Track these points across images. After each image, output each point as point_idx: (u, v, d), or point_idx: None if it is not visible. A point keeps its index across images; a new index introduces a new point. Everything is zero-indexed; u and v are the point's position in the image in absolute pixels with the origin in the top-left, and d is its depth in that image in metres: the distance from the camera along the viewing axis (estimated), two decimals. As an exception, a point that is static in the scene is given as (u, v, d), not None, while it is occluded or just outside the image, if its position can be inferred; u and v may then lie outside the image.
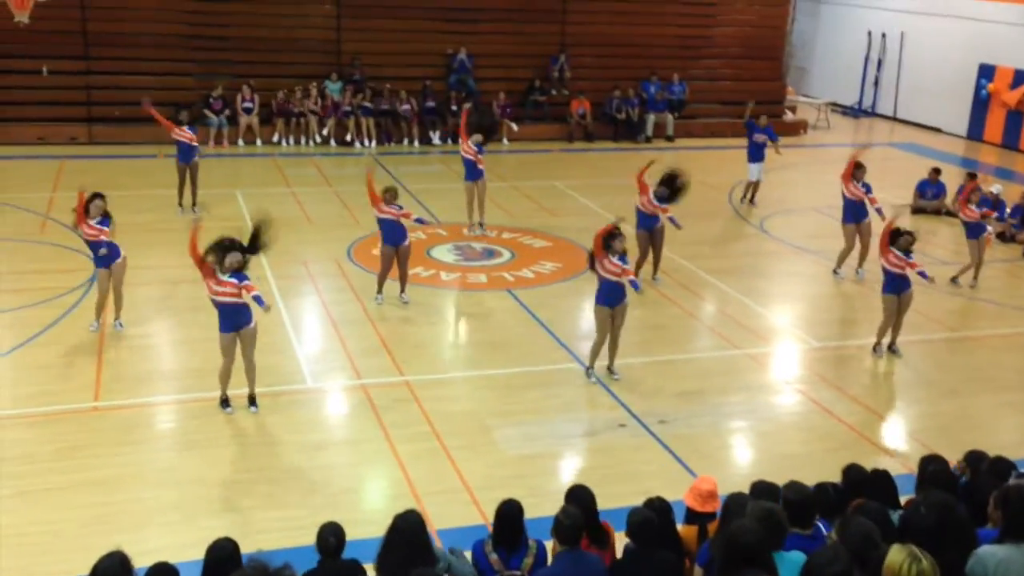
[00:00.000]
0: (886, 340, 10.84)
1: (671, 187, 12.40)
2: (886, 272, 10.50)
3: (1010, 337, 11.72)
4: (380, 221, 11.49)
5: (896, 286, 10.51)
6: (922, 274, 10.41)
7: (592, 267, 9.71)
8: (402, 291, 11.81)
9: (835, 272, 13.47)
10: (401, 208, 11.52)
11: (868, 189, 13.15)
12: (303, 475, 8.02)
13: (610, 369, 9.98)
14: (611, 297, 9.66)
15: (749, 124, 16.76)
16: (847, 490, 5.84)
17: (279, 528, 7.20)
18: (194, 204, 15.09)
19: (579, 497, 5.44)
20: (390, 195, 11.51)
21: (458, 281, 12.74)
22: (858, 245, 13.33)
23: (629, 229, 11.37)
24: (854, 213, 13.19)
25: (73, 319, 10.88)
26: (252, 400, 9.01)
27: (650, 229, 12.51)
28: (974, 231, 13.07)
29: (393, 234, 11.48)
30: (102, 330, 10.58)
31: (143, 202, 15.36)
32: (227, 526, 6.83)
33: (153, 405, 9.15)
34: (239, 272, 8.70)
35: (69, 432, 8.49)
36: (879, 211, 13.01)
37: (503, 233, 14.79)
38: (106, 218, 10.38)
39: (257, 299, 8.64)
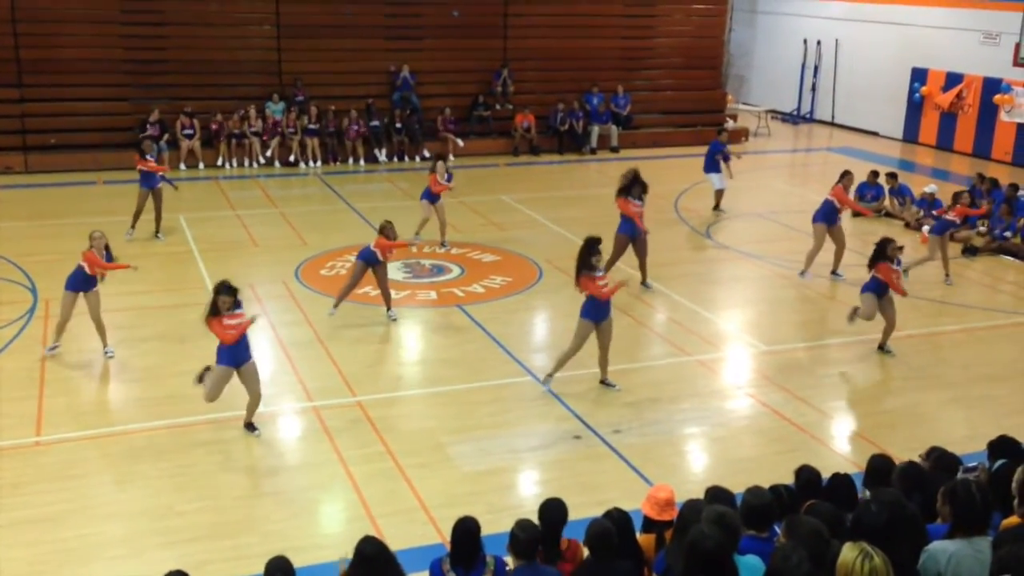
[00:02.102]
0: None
1: (640, 182, 12.52)
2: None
3: (952, 334, 11.98)
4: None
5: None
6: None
7: (578, 284, 9.70)
8: (388, 308, 11.83)
9: (801, 274, 13.59)
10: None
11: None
12: (254, 502, 7.88)
13: (604, 382, 9.98)
14: (597, 312, 9.67)
15: (715, 144, 17.05)
16: (800, 491, 5.89)
17: (230, 558, 7.06)
18: (157, 231, 15.02)
19: (545, 511, 5.43)
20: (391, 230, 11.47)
21: (408, 298, 12.67)
22: (829, 247, 13.59)
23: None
24: (826, 214, 13.40)
25: (13, 352, 10.61)
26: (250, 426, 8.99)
27: (633, 236, 12.61)
28: (940, 228, 13.50)
29: (370, 254, 11.49)
30: (42, 363, 10.33)
31: (84, 230, 14.96)
32: (176, 558, 6.71)
33: (97, 438, 8.92)
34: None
35: (11, 468, 8.24)
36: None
37: (452, 249, 14.76)
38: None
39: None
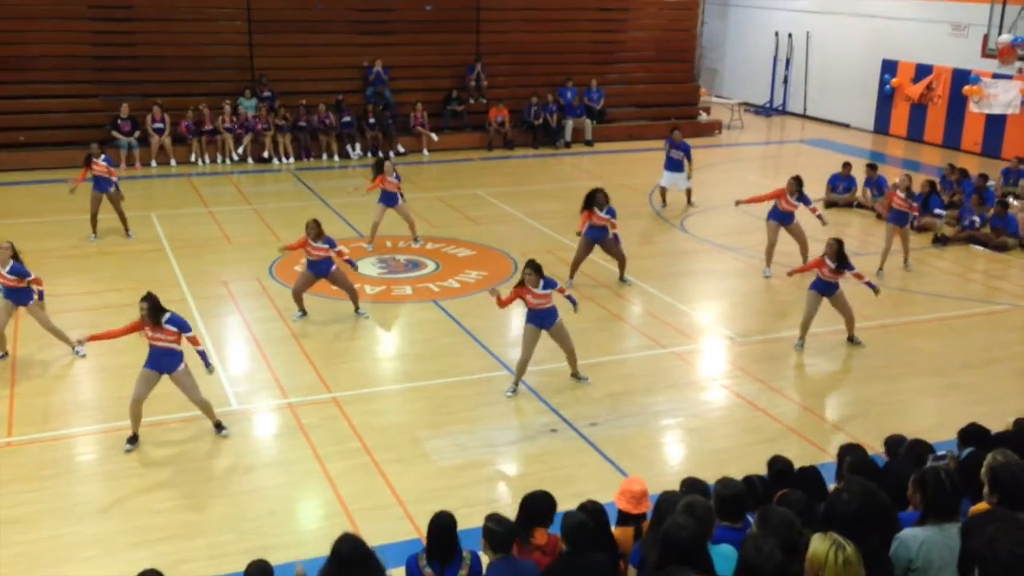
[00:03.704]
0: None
1: (598, 194, 12.54)
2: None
3: (922, 323, 12.11)
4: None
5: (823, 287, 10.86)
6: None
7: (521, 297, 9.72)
8: (356, 308, 11.76)
9: (765, 274, 13.67)
10: (333, 247, 11.34)
11: (807, 201, 13.39)
12: (230, 500, 7.84)
13: (575, 375, 10.00)
14: (539, 319, 9.69)
15: (668, 141, 17.03)
16: (773, 481, 5.95)
17: (206, 556, 7.04)
18: (127, 230, 14.83)
19: (529, 502, 5.46)
20: (314, 231, 11.28)
21: (383, 294, 12.64)
22: (776, 243, 13.65)
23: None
24: (778, 212, 13.46)
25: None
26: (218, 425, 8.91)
27: (601, 240, 12.66)
28: (899, 218, 13.57)
29: (318, 266, 11.38)
30: (12, 362, 10.23)
31: (51, 228, 14.93)
32: (151, 557, 6.67)
33: (70, 437, 8.85)
34: (182, 322, 8.62)
35: (-18, 470, 8.16)
36: (819, 218, 13.52)
37: (427, 244, 14.73)
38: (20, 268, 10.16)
39: (202, 355, 8.78)
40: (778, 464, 6.15)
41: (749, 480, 5.81)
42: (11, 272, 10.06)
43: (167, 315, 8.52)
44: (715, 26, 29.18)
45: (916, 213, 14.09)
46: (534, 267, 9.54)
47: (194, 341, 8.76)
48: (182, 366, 8.65)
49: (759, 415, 9.47)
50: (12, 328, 10.73)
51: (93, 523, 7.49)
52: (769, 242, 13.61)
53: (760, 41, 28.14)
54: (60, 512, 7.62)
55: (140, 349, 10.34)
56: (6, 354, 10.38)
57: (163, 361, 8.59)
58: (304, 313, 11.66)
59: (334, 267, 11.44)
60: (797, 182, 13.40)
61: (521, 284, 9.61)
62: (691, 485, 5.73)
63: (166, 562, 6.26)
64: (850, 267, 10.75)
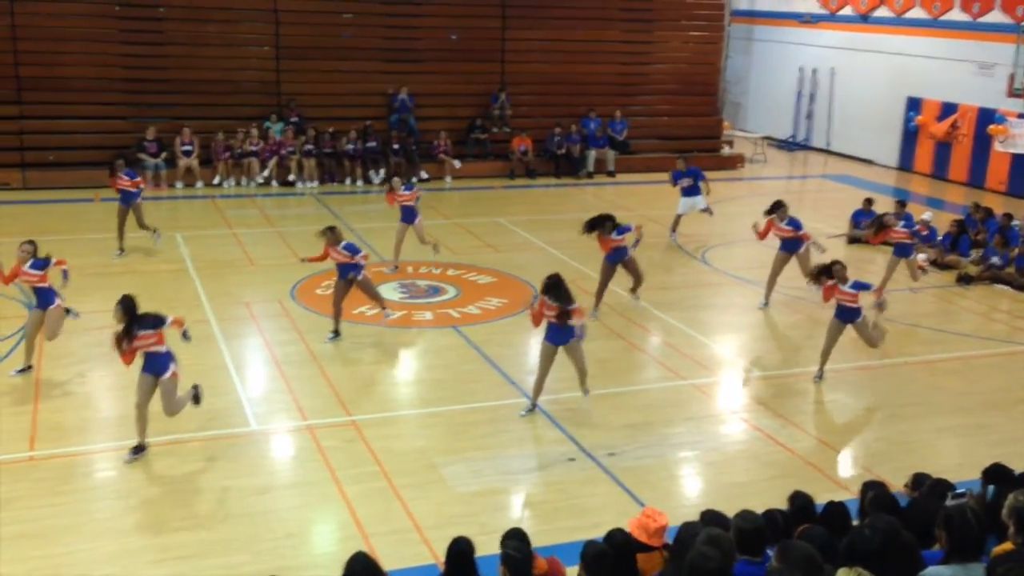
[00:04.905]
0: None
1: (604, 219, 12.57)
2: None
3: (946, 362, 12.00)
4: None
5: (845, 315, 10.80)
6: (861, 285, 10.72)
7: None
8: (383, 307, 11.91)
9: (762, 304, 13.64)
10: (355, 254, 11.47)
11: (797, 225, 13.37)
12: (247, 521, 7.84)
13: (582, 389, 9.94)
14: (556, 335, 9.69)
15: (674, 175, 17.14)
16: (793, 516, 5.90)
17: (223, 576, 7.04)
18: (154, 230, 15.14)
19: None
20: (332, 235, 11.44)
21: (404, 319, 12.67)
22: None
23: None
24: (786, 243, 13.44)
25: (8, 367, 10.56)
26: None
27: (621, 261, 12.66)
28: (902, 251, 13.58)
29: (344, 270, 11.50)
30: (36, 378, 10.32)
31: (79, 246, 15.05)
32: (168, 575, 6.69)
33: (90, 453, 8.89)
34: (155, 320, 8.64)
35: (4, 483, 8.20)
36: (815, 244, 13.37)
37: (448, 270, 14.79)
38: (41, 261, 10.26)
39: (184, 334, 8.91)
40: (799, 499, 6.09)
41: (770, 514, 5.77)
42: (33, 267, 10.19)
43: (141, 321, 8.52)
44: (739, 60, 29.30)
45: (913, 242, 13.94)
46: (554, 283, 9.53)
47: (179, 323, 8.83)
48: (169, 373, 8.62)
49: (778, 450, 9.41)
50: (38, 343, 10.81)
51: (111, 540, 7.52)
52: (771, 270, 13.55)
53: (784, 76, 28.21)
54: (78, 528, 7.65)
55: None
56: (31, 367, 10.45)
57: (152, 364, 8.60)
58: (337, 335, 11.68)
59: (361, 274, 11.51)
60: (778, 205, 13.44)
61: (543, 293, 9.59)
62: (710, 517, 5.68)
63: (183, 581, 6.30)
64: (864, 285, 10.71)
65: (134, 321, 8.49)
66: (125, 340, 8.47)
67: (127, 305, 8.53)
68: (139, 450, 8.72)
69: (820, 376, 10.98)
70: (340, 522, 7.90)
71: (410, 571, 6.90)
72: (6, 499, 7.95)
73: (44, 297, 10.33)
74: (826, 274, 10.71)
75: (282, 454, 9.24)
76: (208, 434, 9.06)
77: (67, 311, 10.49)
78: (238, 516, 7.91)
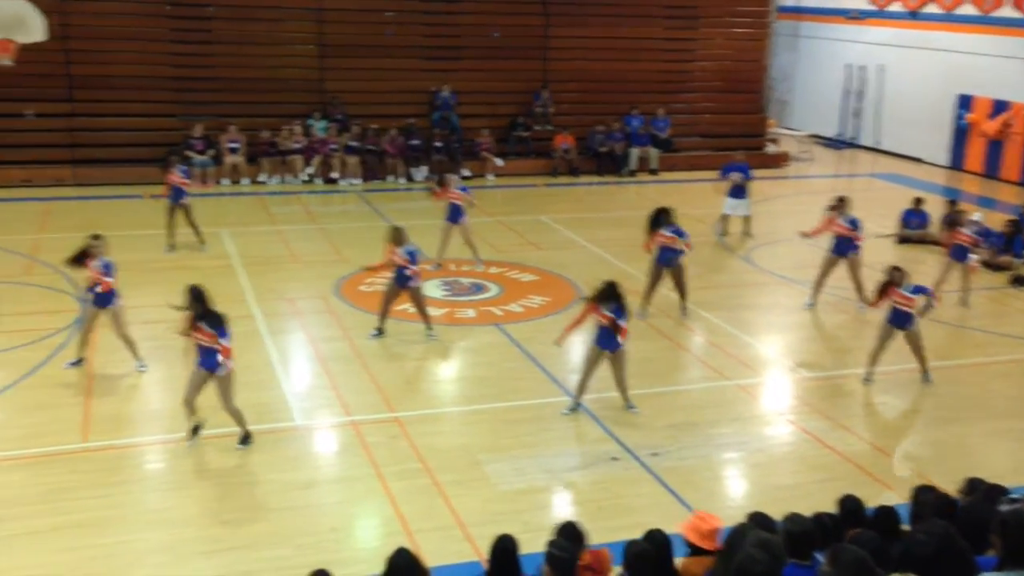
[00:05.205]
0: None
1: (662, 212, 12.52)
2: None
3: (999, 365, 11.76)
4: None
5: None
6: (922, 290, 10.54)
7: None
8: (428, 327, 11.80)
9: (808, 303, 13.47)
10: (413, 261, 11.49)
11: (855, 224, 13.15)
12: (292, 514, 7.91)
13: (627, 406, 9.91)
14: (605, 341, 9.67)
15: (724, 168, 17.07)
16: (843, 520, 5.81)
17: (268, 569, 7.12)
18: (201, 242, 15.31)
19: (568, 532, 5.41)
20: (397, 236, 11.46)
21: (447, 316, 12.70)
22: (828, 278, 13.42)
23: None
24: (836, 245, 13.23)
25: (61, 360, 10.76)
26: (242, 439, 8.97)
27: (670, 264, 12.55)
28: (958, 253, 13.30)
29: (401, 275, 11.50)
30: (89, 370, 10.49)
31: (129, 243, 15.25)
32: (215, 567, 6.78)
33: (141, 445, 9.04)
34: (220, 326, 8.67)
35: (57, 474, 8.36)
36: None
37: (490, 268, 14.80)
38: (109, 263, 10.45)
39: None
40: (849, 503, 6.00)
41: (819, 518, 5.69)
42: (102, 267, 10.31)
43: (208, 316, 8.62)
44: (785, 57, 28.96)
45: (973, 245, 13.65)
46: (611, 293, 9.52)
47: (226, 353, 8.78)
48: (224, 371, 8.71)
49: (826, 452, 9.28)
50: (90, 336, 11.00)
51: (161, 530, 7.63)
52: (820, 271, 13.34)
53: (831, 73, 27.84)
54: (129, 518, 7.78)
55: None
56: (83, 360, 10.63)
57: (206, 360, 8.69)
58: (381, 332, 11.74)
59: (415, 283, 11.52)
60: (841, 201, 13.18)
61: (593, 300, 9.60)
62: (758, 520, 5.62)
63: (229, 572, 6.37)
64: (923, 289, 10.53)
65: (205, 312, 8.61)
66: (189, 328, 8.60)
67: (195, 294, 8.65)
68: (197, 430, 8.86)
69: (868, 379, 10.82)
70: (383, 518, 7.94)
71: (453, 568, 6.91)
72: (60, 488, 8.11)
73: (104, 298, 10.43)
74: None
75: (326, 449, 9.31)
76: (254, 428, 9.14)
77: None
78: (283, 509, 7.98)
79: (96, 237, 10.57)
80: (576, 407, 9.90)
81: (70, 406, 9.71)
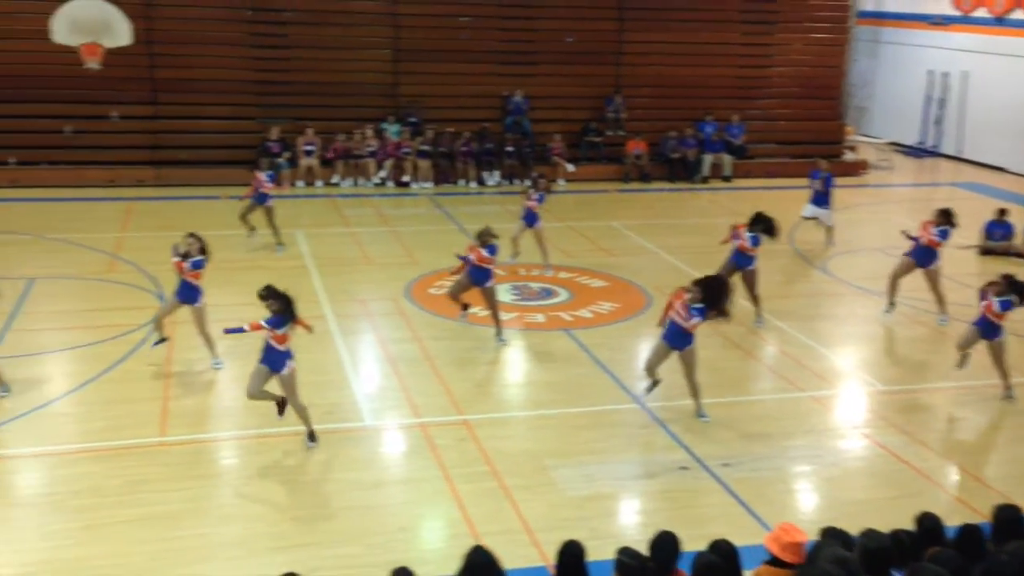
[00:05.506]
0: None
1: (767, 227, 12.37)
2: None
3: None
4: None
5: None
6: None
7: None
8: (498, 333, 11.81)
9: (887, 308, 13.13)
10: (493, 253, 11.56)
11: (944, 235, 12.74)
12: (361, 513, 8.00)
13: (699, 415, 9.83)
14: (673, 338, 9.61)
15: (812, 173, 16.77)
16: (921, 538, 5.65)
17: (338, 566, 7.21)
18: (278, 243, 15.62)
19: (658, 544, 5.32)
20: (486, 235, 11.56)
21: (516, 320, 12.72)
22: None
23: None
24: (918, 253, 12.87)
25: (141, 356, 11.07)
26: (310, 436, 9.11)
27: (743, 269, 12.43)
28: None
29: (477, 274, 11.54)
30: (167, 365, 10.77)
31: (210, 241, 15.65)
32: (288, 562, 6.85)
33: (216, 441, 9.24)
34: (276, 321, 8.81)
35: (136, 466, 8.61)
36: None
37: (560, 273, 14.78)
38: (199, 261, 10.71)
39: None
40: (927, 521, 5.83)
41: (896, 535, 5.54)
42: (193, 265, 10.58)
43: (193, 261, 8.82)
44: (864, 63, 28.35)
45: None
46: (703, 286, 9.48)
47: (255, 327, 8.83)
48: (286, 370, 8.83)
49: (903, 468, 9.04)
50: (170, 331, 11.29)
51: (233, 525, 7.79)
52: (892, 273, 12.99)
53: (912, 80, 27.15)
54: (203, 512, 7.96)
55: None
56: (166, 338, 10.88)
57: (268, 357, 8.83)
58: (468, 309, 11.84)
59: (491, 282, 11.56)
60: (944, 214, 12.77)
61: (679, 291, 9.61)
62: (833, 535, 5.50)
63: (301, 568, 6.42)
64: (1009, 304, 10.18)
65: (286, 310, 8.78)
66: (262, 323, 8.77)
67: (270, 293, 8.86)
68: (282, 407, 9.04)
69: (964, 361, 10.60)
70: (450, 520, 7.98)
71: (520, 572, 6.90)
72: (138, 481, 8.33)
73: (190, 294, 10.67)
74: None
75: (395, 450, 9.39)
76: (324, 427, 9.28)
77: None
78: (352, 508, 8.07)
79: (191, 235, 10.81)
80: (653, 386, 9.92)
81: (149, 400, 9.98)
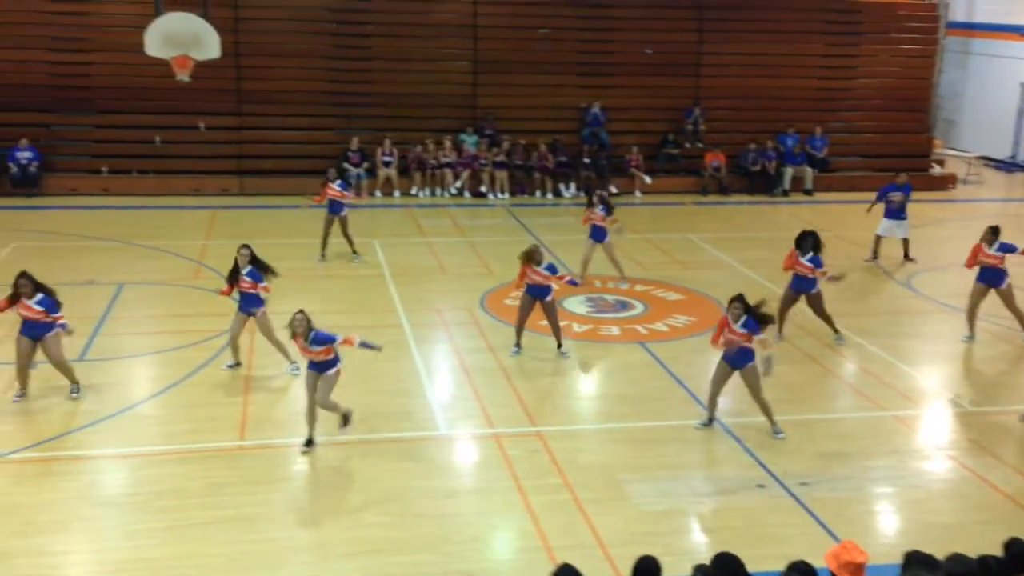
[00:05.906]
0: None
1: (808, 237, 12.06)
2: None
3: None
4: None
5: None
6: None
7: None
8: (559, 345, 11.80)
9: (966, 338, 12.70)
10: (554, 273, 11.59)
11: (1010, 250, 12.31)
12: (434, 522, 8.04)
13: (773, 430, 9.66)
14: (732, 358, 9.49)
15: (882, 190, 16.43)
16: (1009, 564, 5.44)
17: (410, 574, 7.24)
18: (354, 252, 15.77)
19: (721, 564, 5.23)
20: (536, 255, 11.52)
21: (590, 333, 12.66)
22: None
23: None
24: (986, 275, 12.46)
25: (222, 361, 11.30)
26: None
27: (807, 292, 12.16)
28: None
29: (536, 291, 11.57)
30: (246, 371, 11.00)
31: (287, 250, 15.95)
32: (358, 568, 6.98)
33: (292, 447, 9.37)
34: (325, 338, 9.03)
35: (217, 469, 8.81)
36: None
37: (636, 285, 14.67)
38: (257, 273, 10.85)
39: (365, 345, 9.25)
40: (1016, 546, 5.61)
41: (983, 560, 5.34)
42: (248, 275, 10.80)
43: (312, 333, 8.90)
44: (953, 75, 27.55)
45: None
46: (740, 303, 9.33)
47: (348, 342, 9.05)
48: (332, 371, 9.06)
49: (990, 491, 8.72)
50: (246, 339, 11.55)
51: (307, 530, 7.90)
52: (969, 305, 12.60)
53: (1004, 92, 26.28)
54: (279, 516, 8.09)
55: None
56: (239, 363, 11.15)
57: (316, 366, 9.03)
58: (519, 348, 11.83)
59: (551, 296, 11.57)
60: (993, 231, 12.35)
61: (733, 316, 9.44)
62: (917, 559, 5.32)
63: (372, 575, 6.52)
64: None
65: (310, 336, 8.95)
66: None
67: (300, 319, 8.98)
68: (347, 419, 9.23)
69: None
70: (522, 531, 7.96)
71: (592, 586, 6.84)
72: (219, 484, 8.52)
73: (250, 303, 10.90)
74: None
75: (468, 459, 9.42)
76: (399, 435, 9.37)
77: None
78: (425, 516, 8.12)
79: (243, 247, 11.00)
80: (710, 422, 9.73)
81: (229, 405, 10.21)
